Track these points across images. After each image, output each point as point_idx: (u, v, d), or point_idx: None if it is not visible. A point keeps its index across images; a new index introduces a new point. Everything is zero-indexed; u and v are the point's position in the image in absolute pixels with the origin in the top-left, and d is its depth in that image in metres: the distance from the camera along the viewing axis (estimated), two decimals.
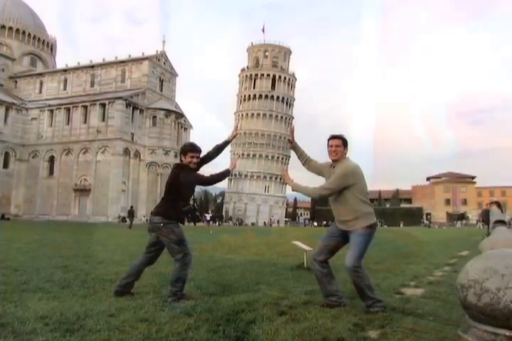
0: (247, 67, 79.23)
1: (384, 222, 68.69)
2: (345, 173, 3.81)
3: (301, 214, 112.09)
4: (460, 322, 3.20)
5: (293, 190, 4.16)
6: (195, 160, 4.26)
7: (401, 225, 65.47)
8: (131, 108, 55.06)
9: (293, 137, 4.41)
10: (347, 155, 4.02)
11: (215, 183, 4.40)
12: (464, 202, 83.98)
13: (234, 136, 4.75)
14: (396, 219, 72.70)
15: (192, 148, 4.30)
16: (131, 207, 33.43)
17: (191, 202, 4.41)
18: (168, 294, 4.06)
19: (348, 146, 4.01)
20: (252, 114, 74.99)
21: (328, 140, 4.02)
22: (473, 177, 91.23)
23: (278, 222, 72.45)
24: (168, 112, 58.78)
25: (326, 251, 3.98)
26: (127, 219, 31.42)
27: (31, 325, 3.03)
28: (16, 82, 64.41)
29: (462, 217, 78.23)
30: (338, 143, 3.94)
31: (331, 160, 4.05)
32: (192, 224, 4.73)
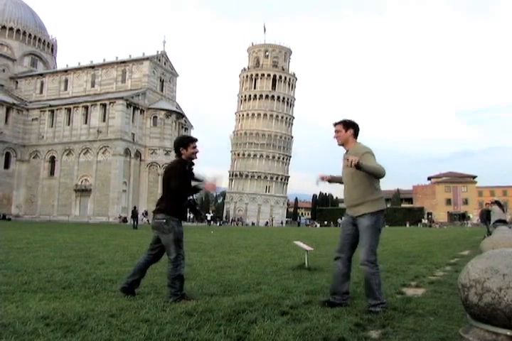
0: (248, 67, 79.25)
1: (385, 222, 68.51)
2: (369, 151, 3.80)
3: (302, 214, 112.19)
4: (461, 321, 3.20)
5: (359, 169, 3.64)
6: (197, 149, 4.26)
7: (407, 225, 64.87)
8: (132, 108, 55.09)
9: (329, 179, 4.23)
10: (358, 139, 4.00)
11: (193, 192, 4.33)
12: (465, 201, 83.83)
13: (210, 188, 4.41)
14: (397, 219, 72.65)
15: (192, 138, 4.33)
16: (135, 207, 33.41)
17: (189, 197, 4.38)
18: (168, 295, 4.07)
19: (355, 127, 3.98)
20: (253, 114, 75.05)
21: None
22: (474, 177, 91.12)
23: (283, 222, 72.50)
24: (169, 112, 58.81)
25: (347, 247, 3.98)
26: (130, 220, 31.47)
27: (32, 326, 3.03)
28: (17, 82, 64.44)
29: (463, 216, 78.13)
30: (339, 129, 3.97)
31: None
32: (197, 222, 4.59)
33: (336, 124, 4.01)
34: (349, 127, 3.96)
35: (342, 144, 4.00)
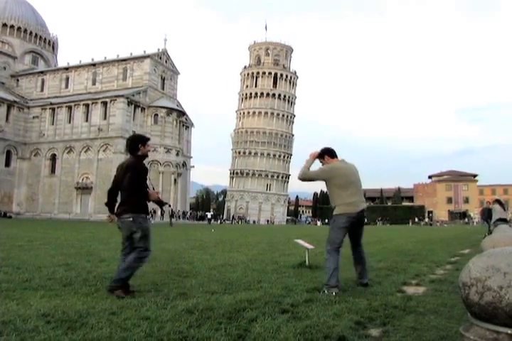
0: (249, 65, 79.12)
1: (386, 220, 68.52)
2: (319, 170, 4.89)
3: (302, 212, 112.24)
4: (462, 320, 3.20)
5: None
6: (150, 148, 4.57)
7: (410, 223, 64.37)
8: (133, 106, 55.04)
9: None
10: (338, 159, 4.92)
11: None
12: (466, 200, 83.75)
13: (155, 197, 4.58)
14: (398, 217, 72.58)
15: (147, 137, 4.61)
16: None
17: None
18: (112, 279, 4.23)
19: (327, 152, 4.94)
20: (254, 112, 74.97)
21: None
22: (475, 176, 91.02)
23: (287, 220, 72.44)
24: (170, 110, 58.72)
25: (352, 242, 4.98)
26: None
27: (33, 323, 3.03)
28: (18, 80, 64.39)
29: (464, 215, 78.11)
30: (326, 158, 4.90)
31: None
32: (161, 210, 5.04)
33: (321, 155, 4.92)
34: (323, 155, 4.90)
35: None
